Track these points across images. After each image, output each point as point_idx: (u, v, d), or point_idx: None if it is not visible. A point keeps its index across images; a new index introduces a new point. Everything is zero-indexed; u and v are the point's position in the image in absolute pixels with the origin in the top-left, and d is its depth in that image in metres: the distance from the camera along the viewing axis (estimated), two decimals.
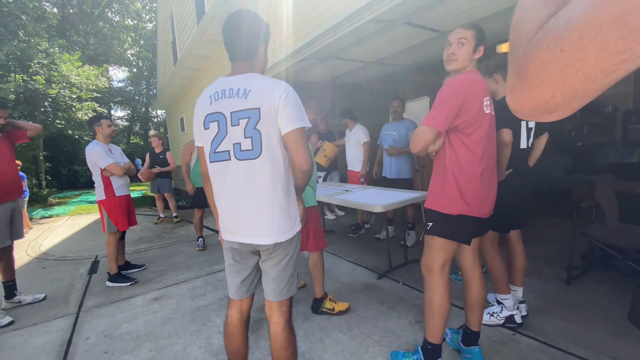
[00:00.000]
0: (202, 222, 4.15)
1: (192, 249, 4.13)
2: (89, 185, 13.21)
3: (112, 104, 21.04)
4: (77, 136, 10.35)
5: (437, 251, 1.51)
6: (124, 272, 3.28)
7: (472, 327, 1.66)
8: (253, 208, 1.20)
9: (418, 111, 4.16)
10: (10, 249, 2.65)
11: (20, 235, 2.67)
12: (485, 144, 1.43)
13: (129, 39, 21.18)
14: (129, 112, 23.79)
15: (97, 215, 7.05)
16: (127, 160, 3.21)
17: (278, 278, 1.28)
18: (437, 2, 2.80)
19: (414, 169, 3.82)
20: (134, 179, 4.19)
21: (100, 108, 11.37)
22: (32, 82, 8.01)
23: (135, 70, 23.36)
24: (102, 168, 2.93)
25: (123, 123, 22.86)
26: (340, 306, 2.28)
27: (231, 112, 1.17)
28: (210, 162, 1.25)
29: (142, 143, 23.03)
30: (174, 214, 5.90)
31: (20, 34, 8.88)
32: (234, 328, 1.37)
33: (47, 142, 9.73)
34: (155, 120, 24.15)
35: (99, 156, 2.90)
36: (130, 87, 23.87)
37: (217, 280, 3.08)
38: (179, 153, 10.60)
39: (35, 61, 8.55)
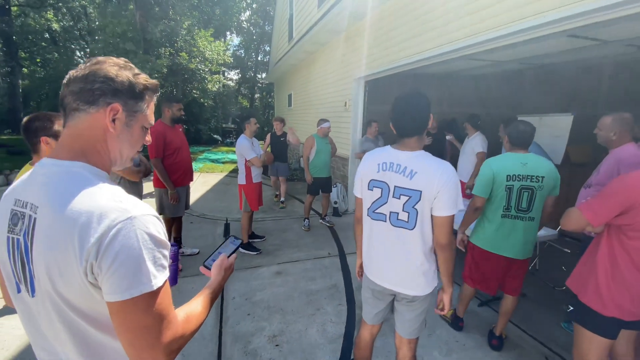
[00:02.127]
0: (310, 206, 4.71)
1: (299, 227, 4.75)
2: (209, 142, 15.63)
3: (225, 69, 23.59)
4: (204, 102, 12.28)
5: (586, 342, 1.44)
6: (251, 240, 4.05)
7: None
8: (401, 266, 1.44)
9: (552, 129, 3.66)
10: (181, 217, 3.56)
11: (188, 207, 3.56)
12: None
13: (244, 3, 22.75)
14: (239, 75, 26.37)
15: (221, 175, 8.52)
16: (262, 152, 3.81)
17: (412, 321, 1.53)
18: None
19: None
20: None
21: (225, 80, 13.00)
22: (179, 58, 9.68)
23: (246, 36, 25.35)
24: (247, 159, 3.57)
25: (232, 85, 25.42)
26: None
27: (395, 186, 1.38)
28: (367, 215, 1.50)
29: (247, 105, 25.59)
30: (282, 199, 5.96)
31: (170, 13, 10.58)
32: (364, 344, 1.72)
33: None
34: (260, 85, 26.29)
35: (246, 150, 3.53)
36: (241, 51, 26.19)
37: (324, 266, 3.57)
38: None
39: (180, 37, 10.18)
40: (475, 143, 3.90)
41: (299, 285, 3.16)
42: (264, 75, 24.65)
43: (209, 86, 11.31)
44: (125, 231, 0.61)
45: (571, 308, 1.50)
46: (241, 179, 3.70)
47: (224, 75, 22.39)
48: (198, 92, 10.91)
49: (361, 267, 1.70)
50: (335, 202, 5.38)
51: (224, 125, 17.53)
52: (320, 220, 4.97)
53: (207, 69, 10.67)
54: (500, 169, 2.04)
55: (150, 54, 9.50)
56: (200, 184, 7.53)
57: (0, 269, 0.75)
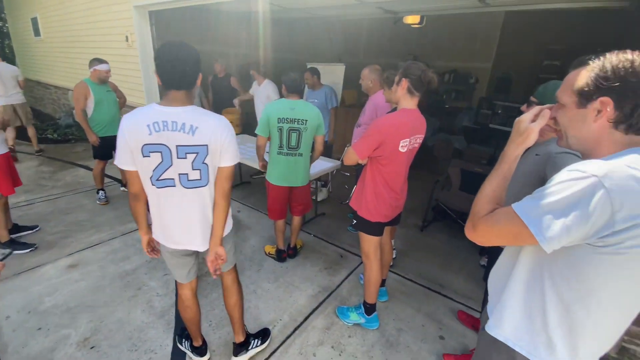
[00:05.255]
0: (103, 173, 3.80)
1: (92, 203, 3.81)
2: None
3: None
4: None
5: (367, 242, 2.01)
6: (14, 236, 2.92)
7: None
8: (200, 225, 1.47)
9: (331, 76, 4.37)
10: None
11: None
12: (397, 175, 1.83)
13: None
14: None
15: None
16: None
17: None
18: None
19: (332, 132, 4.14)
20: None
21: None
22: None
23: None
24: None
25: None
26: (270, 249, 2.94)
27: (177, 146, 1.30)
28: (151, 185, 1.37)
29: None
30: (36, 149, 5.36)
31: None
32: (189, 302, 1.71)
33: None
34: None
35: None
36: None
37: (137, 241, 3.11)
38: (32, 66, 8.26)
39: None
40: (269, 91, 3.96)
41: (108, 271, 2.66)
42: None
43: None
44: None
45: (354, 221, 2.04)
46: None
47: None
48: None
49: (149, 244, 1.61)
50: None
51: None
52: (122, 188, 4.17)
53: None
54: (273, 112, 2.36)
55: None
56: None
57: None
